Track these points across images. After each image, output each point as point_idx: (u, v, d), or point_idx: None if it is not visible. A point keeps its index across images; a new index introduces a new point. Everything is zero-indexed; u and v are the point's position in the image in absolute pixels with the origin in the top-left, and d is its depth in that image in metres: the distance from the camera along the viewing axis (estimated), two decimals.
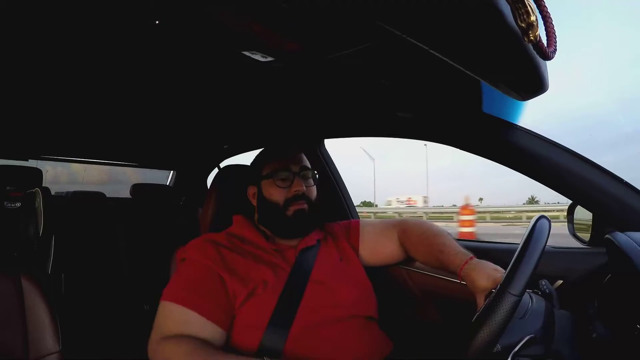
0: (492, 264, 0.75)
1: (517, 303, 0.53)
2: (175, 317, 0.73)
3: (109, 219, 1.91)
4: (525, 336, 0.57)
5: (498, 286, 0.57)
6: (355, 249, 0.98)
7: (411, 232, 0.96)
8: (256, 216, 0.94)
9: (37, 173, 1.76)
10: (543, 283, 0.72)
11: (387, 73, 0.83)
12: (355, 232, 1.00)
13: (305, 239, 0.91)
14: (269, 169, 0.90)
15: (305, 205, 0.88)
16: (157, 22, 0.65)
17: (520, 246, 0.58)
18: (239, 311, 0.77)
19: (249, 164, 1.02)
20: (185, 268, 0.82)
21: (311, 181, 0.92)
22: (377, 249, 0.99)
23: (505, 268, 0.61)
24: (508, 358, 0.56)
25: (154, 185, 2.25)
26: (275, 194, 0.88)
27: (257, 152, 1.01)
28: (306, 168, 0.91)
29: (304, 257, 0.87)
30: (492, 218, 14.06)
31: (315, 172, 0.94)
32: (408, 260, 1.00)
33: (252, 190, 0.95)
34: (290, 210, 0.87)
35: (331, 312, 0.80)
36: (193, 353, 0.68)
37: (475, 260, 0.78)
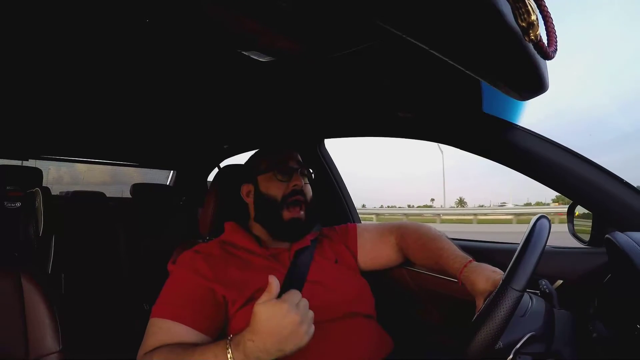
0: (491, 266, 0.75)
1: (519, 298, 0.53)
2: (158, 330, 0.72)
3: (109, 219, 1.91)
4: (527, 333, 0.58)
5: (499, 284, 0.57)
6: (354, 255, 0.98)
7: (409, 237, 0.96)
8: (252, 214, 0.93)
9: (37, 173, 1.75)
10: (543, 283, 0.72)
11: (387, 73, 0.83)
12: (353, 238, 1.00)
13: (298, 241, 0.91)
14: (266, 164, 0.91)
15: (302, 212, 0.88)
16: (156, 21, 0.65)
17: (521, 244, 0.58)
18: (236, 315, 0.76)
19: None
20: (172, 284, 0.80)
21: (307, 179, 0.93)
22: (376, 255, 0.99)
23: (504, 268, 0.61)
24: (510, 355, 0.56)
25: (154, 185, 2.25)
26: (273, 188, 0.88)
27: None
28: (303, 166, 0.93)
29: (299, 259, 0.87)
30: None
31: (311, 171, 0.95)
32: (408, 260, 1.00)
33: (246, 189, 0.94)
34: (287, 216, 0.87)
35: (330, 310, 0.79)
36: (170, 353, 0.68)
37: (475, 263, 0.78)
